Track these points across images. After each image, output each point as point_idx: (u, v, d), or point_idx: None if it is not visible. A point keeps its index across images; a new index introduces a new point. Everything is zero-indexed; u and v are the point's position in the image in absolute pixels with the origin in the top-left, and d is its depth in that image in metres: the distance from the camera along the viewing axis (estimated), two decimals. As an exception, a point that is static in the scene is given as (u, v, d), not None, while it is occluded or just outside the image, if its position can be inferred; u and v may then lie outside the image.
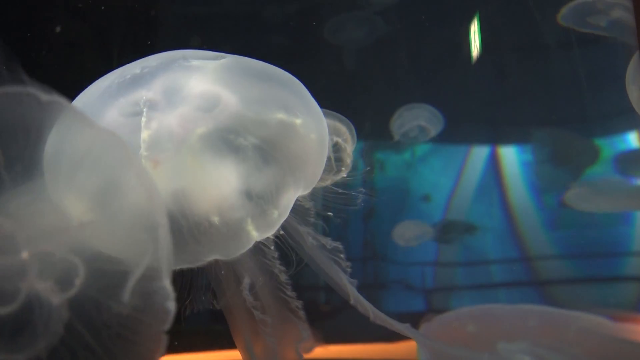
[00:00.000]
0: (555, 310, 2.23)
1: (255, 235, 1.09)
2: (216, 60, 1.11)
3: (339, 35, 2.79)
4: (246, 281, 1.17)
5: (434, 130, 2.93)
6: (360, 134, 3.07)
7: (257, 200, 1.08)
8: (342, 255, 1.24)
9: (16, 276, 0.82)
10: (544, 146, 3.01)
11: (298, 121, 1.09)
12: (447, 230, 3.01)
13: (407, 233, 2.98)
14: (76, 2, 1.91)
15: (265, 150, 1.08)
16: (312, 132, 1.11)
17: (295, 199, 1.16)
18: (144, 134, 1.00)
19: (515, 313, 2.19)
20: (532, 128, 3.03)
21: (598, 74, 2.38)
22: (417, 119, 2.92)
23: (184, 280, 1.18)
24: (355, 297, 1.24)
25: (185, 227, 1.03)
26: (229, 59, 1.12)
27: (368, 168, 3.16)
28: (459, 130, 3.13)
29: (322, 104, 1.24)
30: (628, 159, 2.71)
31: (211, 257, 1.07)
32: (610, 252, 2.82)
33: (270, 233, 1.12)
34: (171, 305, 0.82)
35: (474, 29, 2.72)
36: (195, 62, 1.10)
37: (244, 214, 1.06)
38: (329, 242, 1.23)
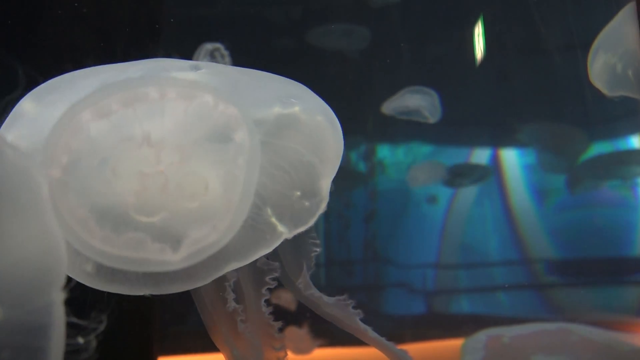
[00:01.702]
0: (595, 330, 2.21)
1: (284, 230, 1.03)
2: (195, 71, 1.09)
3: (340, 38, 2.79)
4: (231, 278, 1.12)
5: (430, 113, 2.93)
6: (362, 136, 3.08)
7: (277, 193, 1.02)
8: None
9: None
10: (545, 146, 3.01)
11: (297, 108, 1.07)
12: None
13: (421, 176, 2.99)
14: (80, 7, 1.92)
15: (273, 144, 1.04)
16: (316, 114, 1.09)
17: (327, 185, 1.09)
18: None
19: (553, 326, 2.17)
20: (534, 131, 3.03)
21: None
22: (416, 101, 2.93)
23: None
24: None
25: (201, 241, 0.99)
26: (208, 69, 1.10)
27: (369, 170, 3.17)
28: (461, 132, 3.12)
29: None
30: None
31: (230, 266, 1.01)
32: (612, 256, 2.81)
33: (302, 227, 1.04)
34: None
35: (478, 31, 2.71)
36: (175, 74, 1.07)
37: (265, 209, 1.00)
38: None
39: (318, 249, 1.13)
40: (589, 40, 2.00)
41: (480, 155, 3.10)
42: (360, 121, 2.94)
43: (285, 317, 1.18)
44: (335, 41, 2.79)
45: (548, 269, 2.96)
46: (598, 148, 2.86)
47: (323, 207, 1.04)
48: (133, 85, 0.98)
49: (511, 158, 3.08)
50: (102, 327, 0.78)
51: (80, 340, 0.71)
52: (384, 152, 3.18)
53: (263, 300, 1.10)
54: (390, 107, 2.91)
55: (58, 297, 0.63)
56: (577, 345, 2.08)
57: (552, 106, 2.85)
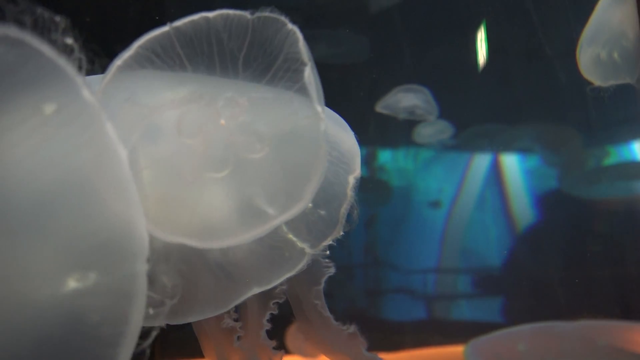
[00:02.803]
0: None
1: (304, 245, 0.99)
2: None
3: (342, 42, 2.79)
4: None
5: (426, 112, 2.92)
6: (363, 140, 3.07)
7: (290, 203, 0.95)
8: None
9: None
10: (546, 150, 3.00)
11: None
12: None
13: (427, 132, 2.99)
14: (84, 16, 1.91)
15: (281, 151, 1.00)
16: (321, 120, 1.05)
17: (351, 183, 1.05)
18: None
19: (570, 331, 2.15)
20: (536, 136, 3.02)
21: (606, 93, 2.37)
22: (411, 100, 2.92)
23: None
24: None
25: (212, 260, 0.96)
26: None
27: (370, 174, 3.16)
28: (462, 137, 3.12)
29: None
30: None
31: (252, 291, 0.97)
32: (614, 260, 2.80)
33: (324, 240, 1.02)
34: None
35: (481, 36, 2.71)
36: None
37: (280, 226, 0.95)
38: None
39: (331, 271, 1.09)
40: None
41: (481, 160, 3.10)
42: (361, 126, 2.94)
43: (289, 317, 1.15)
44: (335, 47, 2.78)
45: (548, 274, 2.95)
46: (600, 153, 2.86)
47: (344, 213, 1.01)
48: None
49: (512, 163, 3.07)
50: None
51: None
52: (385, 156, 3.18)
53: (264, 319, 1.08)
54: (383, 106, 2.91)
55: (142, 268, 0.66)
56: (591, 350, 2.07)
57: (553, 111, 2.85)
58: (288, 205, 0.92)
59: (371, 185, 3.08)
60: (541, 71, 2.62)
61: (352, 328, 1.10)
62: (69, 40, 0.69)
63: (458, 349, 2.60)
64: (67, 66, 0.65)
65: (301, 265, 0.97)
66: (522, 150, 3.08)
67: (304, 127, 0.95)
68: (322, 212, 1.01)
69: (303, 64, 0.93)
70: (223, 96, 0.94)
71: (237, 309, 1.06)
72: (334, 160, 1.06)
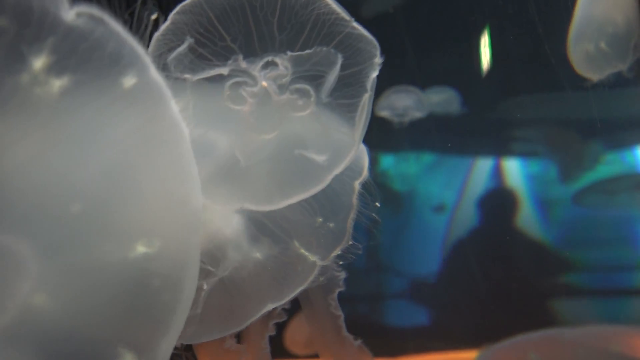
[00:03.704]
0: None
1: (315, 259, 1.00)
2: None
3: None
4: None
5: (418, 111, 2.91)
6: (365, 145, 3.07)
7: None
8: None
9: None
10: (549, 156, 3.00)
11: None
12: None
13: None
14: None
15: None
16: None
17: (356, 190, 1.08)
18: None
19: (580, 338, 2.15)
20: (539, 140, 3.02)
21: (607, 87, 2.36)
22: (403, 100, 2.90)
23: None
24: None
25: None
26: None
27: (372, 179, 3.15)
28: (464, 142, 3.11)
29: None
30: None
31: (266, 308, 0.98)
32: (616, 265, 2.80)
33: (334, 251, 1.04)
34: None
35: (484, 42, 2.71)
36: None
37: (292, 242, 1.00)
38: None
39: (342, 279, 1.09)
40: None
41: (483, 165, 3.09)
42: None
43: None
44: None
45: (551, 279, 2.95)
46: (604, 158, 2.85)
47: (351, 223, 1.02)
48: None
49: (513, 168, 3.07)
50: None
51: None
52: (387, 161, 3.17)
53: (265, 340, 1.08)
54: (377, 108, 2.90)
55: (197, 239, 0.72)
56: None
57: (557, 116, 2.84)
58: (340, 154, 0.97)
59: (373, 191, 3.06)
60: (545, 77, 2.61)
61: (359, 341, 1.11)
62: (126, 16, 0.74)
63: (461, 355, 2.60)
64: (137, 45, 0.69)
65: (312, 277, 0.97)
66: (524, 155, 3.08)
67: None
68: (331, 225, 1.02)
69: (337, 22, 0.98)
70: (264, 59, 0.97)
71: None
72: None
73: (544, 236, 2.95)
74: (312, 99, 0.97)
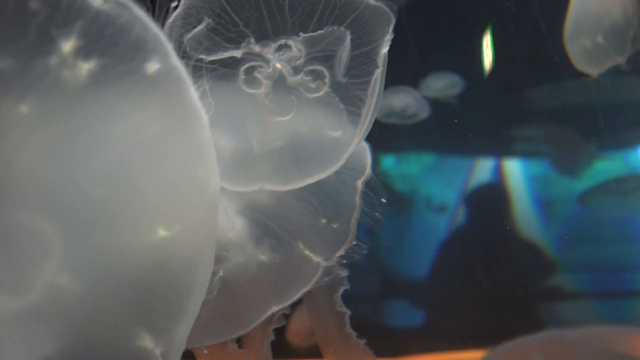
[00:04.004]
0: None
1: (319, 259, 1.01)
2: None
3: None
4: None
5: (417, 111, 2.89)
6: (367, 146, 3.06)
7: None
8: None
9: None
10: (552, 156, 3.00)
11: None
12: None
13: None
14: None
15: None
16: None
17: (359, 190, 1.09)
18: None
19: (582, 339, 2.14)
20: (541, 141, 3.01)
21: (610, 87, 2.36)
22: (403, 100, 2.89)
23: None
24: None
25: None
26: None
27: (374, 179, 3.14)
28: (466, 142, 3.11)
29: None
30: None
31: (271, 310, 0.99)
32: (618, 266, 2.79)
33: (337, 251, 1.05)
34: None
35: (487, 42, 2.70)
36: None
37: (297, 244, 1.01)
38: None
39: (346, 279, 1.10)
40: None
41: (484, 166, 3.09)
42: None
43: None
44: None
45: (553, 281, 2.94)
46: (607, 158, 2.85)
47: (354, 223, 1.03)
48: None
49: (514, 168, 3.06)
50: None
51: None
52: (388, 162, 3.16)
53: (266, 344, 1.09)
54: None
55: (214, 224, 0.74)
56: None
57: (560, 117, 2.84)
58: (354, 130, 1.01)
59: (377, 188, 3.06)
60: (548, 76, 2.61)
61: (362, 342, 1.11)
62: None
63: (462, 356, 2.59)
64: (160, 31, 0.71)
65: (316, 278, 0.98)
66: (526, 155, 3.07)
67: None
68: (335, 225, 1.03)
69: (348, 2, 1.00)
70: (277, 42, 1.00)
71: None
72: (342, 170, 1.08)
73: (546, 237, 2.94)
74: (326, 79, 1.00)
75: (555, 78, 2.54)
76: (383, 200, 1.14)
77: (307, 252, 0.98)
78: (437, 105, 2.94)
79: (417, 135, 3.10)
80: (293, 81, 0.99)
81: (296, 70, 1.00)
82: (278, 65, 0.99)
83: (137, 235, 0.70)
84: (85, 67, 0.67)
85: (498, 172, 3.07)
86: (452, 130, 3.00)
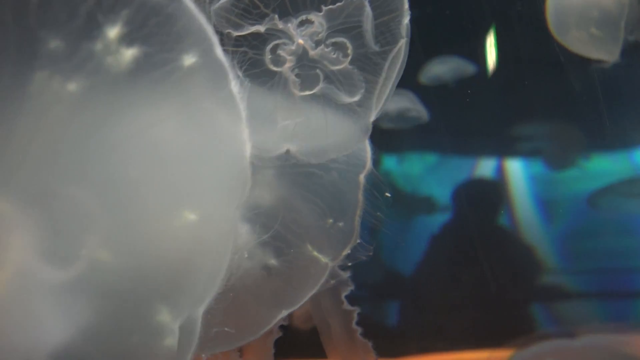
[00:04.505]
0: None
1: (327, 260, 1.02)
2: None
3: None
4: None
5: (416, 113, 2.88)
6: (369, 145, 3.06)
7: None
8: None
9: None
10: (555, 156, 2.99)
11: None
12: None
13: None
14: None
15: (291, 173, 1.04)
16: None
17: (361, 185, 1.11)
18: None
19: (593, 345, 2.13)
20: (545, 140, 3.01)
21: (615, 87, 2.36)
22: (400, 102, 2.87)
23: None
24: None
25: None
26: None
27: (375, 180, 3.14)
28: (467, 142, 3.11)
29: None
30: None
31: (281, 314, 1.00)
32: (620, 266, 2.79)
33: (344, 250, 1.07)
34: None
35: (490, 41, 2.70)
36: None
37: (305, 245, 1.02)
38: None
39: (351, 284, 1.10)
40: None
41: (486, 166, 3.09)
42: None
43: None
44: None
45: (555, 282, 2.94)
46: (612, 159, 2.85)
47: (358, 220, 1.04)
48: None
49: (516, 168, 3.06)
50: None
51: None
52: (389, 162, 3.16)
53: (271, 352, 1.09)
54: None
55: (236, 213, 0.75)
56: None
57: (564, 117, 2.84)
58: (372, 97, 1.05)
59: (376, 191, 3.06)
60: (552, 76, 2.60)
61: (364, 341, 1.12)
62: None
63: (463, 356, 2.59)
64: (206, 23, 0.73)
65: (324, 279, 0.98)
66: (528, 155, 3.07)
67: None
68: (341, 224, 1.03)
69: None
70: (299, 18, 1.02)
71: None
72: (344, 167, 1.08)
73: (549, 237, 2.94)
74: (349, 50, 1.02)
75: (559, 78, 2.54)
76: (387, 194, 1.12)
77: (315, 253, 0.99)
78: (438, 105, 2.94)
79: (419, 136, 3.09)
80: (315, 55, 1.02)
81: (318, 43, 1.03)
82: (300, 41, 1.02)
83: (168, 217, 0.73)
84: (128, 53, 0.70)
85: (500, 171, 3.07)
86: (454, 130, 3.00)
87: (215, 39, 0.73)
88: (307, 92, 1.02)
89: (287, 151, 1.01)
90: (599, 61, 2.06)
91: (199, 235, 0.73)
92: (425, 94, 2.91)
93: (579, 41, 1.95)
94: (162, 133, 0.72)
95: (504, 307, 2.80)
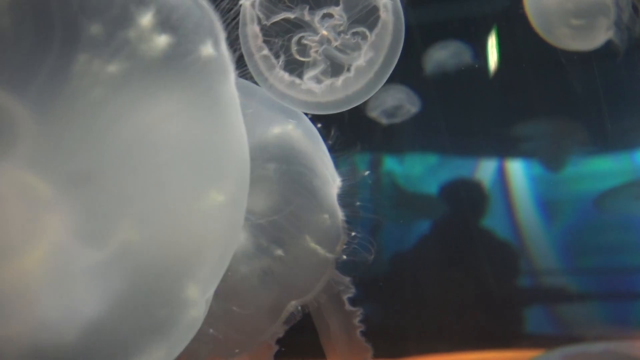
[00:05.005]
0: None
1: (324, 252, 1.08)
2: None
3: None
4: None
5: (411, 108, 2.88)
6: (369, 146, 3.06)
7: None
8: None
9: None
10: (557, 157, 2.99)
11: (290, 126, 1.19)
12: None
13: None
14: None
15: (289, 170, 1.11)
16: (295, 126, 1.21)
17: (335, 194, 1.17)
18: None
19: (610, 350, 2.13)
20: (546, 141, 3.01)
21: (617, 89, 2.36)
22: (394, 99, 2.87)
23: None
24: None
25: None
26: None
27: (376, 181, 3.15)
28: (468, 143, 3.11)
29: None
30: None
31: (291, 305, 1.06)
32: (623, 267, 2.79)
33: (339, 242, 1.13)
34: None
35: (492, 42, 2.70)
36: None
37: (303, 236, 1.08)
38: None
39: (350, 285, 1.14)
40: (605, 52, 1.99)
41: (487, 167, 3.09)
42: (367, 132, 2.93)
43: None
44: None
45: (556, 283, 2.94)
46: (613, 160, 2.84)
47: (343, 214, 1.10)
48: None
49: (517, 169, 3.06)
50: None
51: None
52: (390, 162, 3.16)
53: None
54: (370, 109, 2.87)
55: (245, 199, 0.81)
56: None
57: (566, 117, 2.84)
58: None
59: (377, 191, 3.06)
60: (554, 77, 2.61)
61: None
62: None
63: (464, 357, 2.59)
64: (216, 20, 0.80)
65: (325, 272, 1.03)
66: (529, 156, 3.07)
67: None
68: (332, 219, 1.09)
69: None
70: (321, 12, 1.13)
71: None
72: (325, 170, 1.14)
73: (550, 237, 2.94)
74: (369, 38, 1.13)
75: (561, 79, 2.54)
76: (365, 173, 1.29)
77: (313, 244, 1.03)
78: (439, 105, 2.94)
79: (420, 136, 3.10)
80: (338, 44, 1.13)
81: (341, 34, 1.14)
82: (324, 32, 1.13)
83: (197, 198, 0.77)
84: (159, 41, 0.75)
85: (501, 172, 3.07)
86: (456, 130, 3.00)
87: (222, 35, 0.79)
88: (333, 79, 1.12)
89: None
90: (600, 61, 2.06)
91: (220, 214, 0.77)
92: (425, 91, 2.92)
93: (565, 37, 1.96)
94: (189, 118, 0.77)
95: (505, 308, 2.80)
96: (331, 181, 1.18)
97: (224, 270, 0.79)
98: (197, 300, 0.76)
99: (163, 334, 0.74)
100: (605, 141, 2.75)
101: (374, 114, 2.89)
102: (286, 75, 1.11)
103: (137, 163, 0.74)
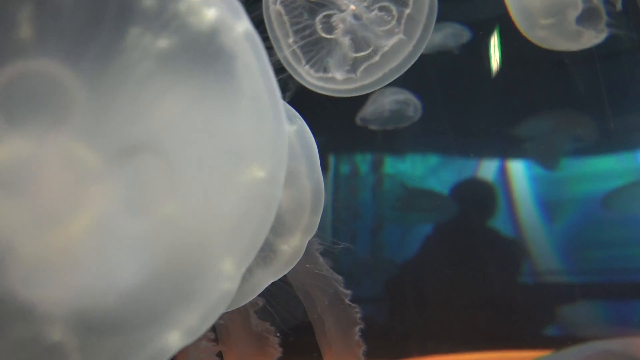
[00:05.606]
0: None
1: (297, 238, 1.10)
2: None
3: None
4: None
5: (413, 113, 2.87)
6: (371, 146, 3.06)
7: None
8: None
9: None
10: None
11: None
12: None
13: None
14: None
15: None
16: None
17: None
18: None
19: (624, 348, 2.13)
20: (550, 141, 3.00)
21: (620, 89, 2.35)
22: (392, 103, 2.86)
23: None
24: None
25: None
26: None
27: (377, 181, 3.15)
28: (470, 143, 3.10)
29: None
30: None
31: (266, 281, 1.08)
32: (626, 268, 2.79)
33: (311, 233, 1.15)
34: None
35: (494, 42, 2.70)
36: None
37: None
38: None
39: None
40: (608, 52, 1.98)
41: (488, 167, 3.09)
42: (368, 133, 2.93)
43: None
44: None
45: (556, 284, 2.94)
46: (616, 160, 2.84)
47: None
48: None
49: (518, 169, 3.06)
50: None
51: None
52: (391, 163, 3.17)
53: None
54: (367, 115, 2.86)
55: (282, 179, 0.82)
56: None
57: (569, 118, 2.83)
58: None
59: (378, 192, 3.07)
60: (558, 77, 2.60)
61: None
62: None
63: (466, 357, 2.58)
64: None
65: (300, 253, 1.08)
66: (529, 156, 3.07)
67: None
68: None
69: None
70: None
71: (214, 329, 1.13)
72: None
73: (553, 237, 2.94)
74: (394, 12, 1.18)
75: (564, 80, 2.54)
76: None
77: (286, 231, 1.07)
78: (441, 105, 2.94)
79: (421, 137, 3.10)
80: (367, 18, 1.16)
81: (368, 9, 1.17)
82: (352, 7, 1.16)
83: (236, 174, 0.78)
84: (209, 14, 0.76)
85: (502, 172, 3.07)
86: (457, 130, 3.00)
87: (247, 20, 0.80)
88: (362, 53, 1.15)
89: None
90: (603, 60, 2.05)
91: (265, 191, 0.79)
92: (426, 89, 2.92)
93: (546, 38, 1.95)
94: (227, 94, 0.78)
95: (507, 308, 2.80)
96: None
97: (259, 246, 0.81)
98: (233, 274, 0.77)
99: (197, 304, 0.76)
100: (608, 140, 2.74)
101: (373, 126, 2.89)
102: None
103: (180, 137, 0.76)
